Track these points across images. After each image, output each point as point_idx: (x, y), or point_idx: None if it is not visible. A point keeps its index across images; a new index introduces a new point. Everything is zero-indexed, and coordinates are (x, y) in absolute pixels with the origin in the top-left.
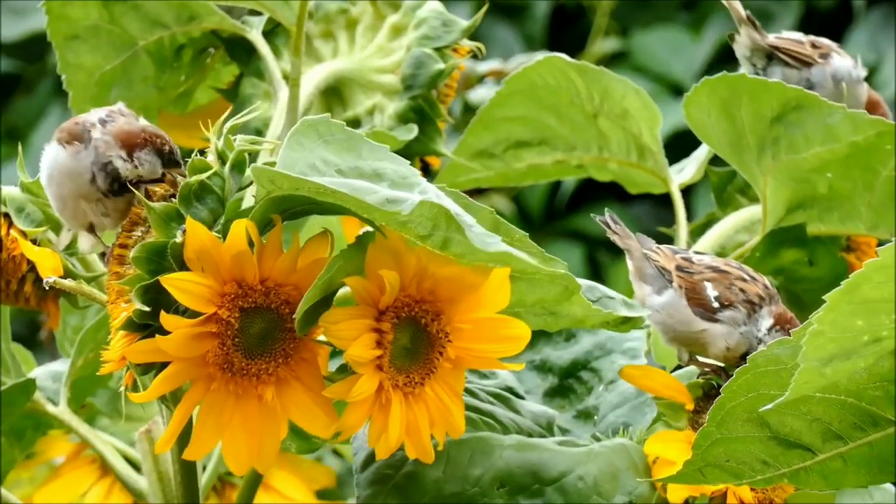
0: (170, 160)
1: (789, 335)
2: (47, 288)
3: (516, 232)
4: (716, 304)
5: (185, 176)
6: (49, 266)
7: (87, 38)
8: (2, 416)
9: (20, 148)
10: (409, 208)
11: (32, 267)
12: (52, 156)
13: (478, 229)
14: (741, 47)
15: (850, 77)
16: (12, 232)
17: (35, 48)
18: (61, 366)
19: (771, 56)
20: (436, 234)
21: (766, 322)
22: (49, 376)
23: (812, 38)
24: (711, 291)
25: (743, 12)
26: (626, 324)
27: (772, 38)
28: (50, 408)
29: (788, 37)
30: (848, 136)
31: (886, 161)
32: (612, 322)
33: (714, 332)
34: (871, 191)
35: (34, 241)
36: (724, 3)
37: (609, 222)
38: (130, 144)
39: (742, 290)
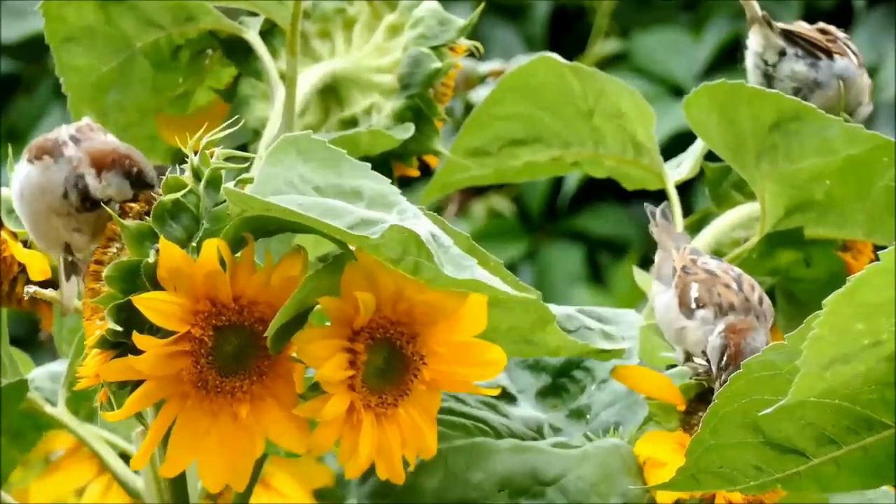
0: (138, 181)
1: (727, 351)
2: (26, 297)
3: (491, 259)
4: (693, 305)
5: (157, 196)
6: (38, 268)
7: (82, 39)
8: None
9: (10, 150)
10: (379, 233)
11: (24, 268)
12: (23, 173)
13: (454, 251)
14: (753, 44)
15: (852, 74)
16: (2, 233)
17: (35, 49)
18: (60, 366)
19: (783, 52)
20: (406, 259)
21: (716, 333)
22: (48, 377)
23: (819, 25)
24: (694, 292)
25: (759, 11)
26: (605, 354)
27: (783, 26)
28: (48, 408)
29: (797, 27)
30: (844, 150)
31: (883, 173)
32: (592, 353)
33: (688, 330)
34: (867, 199)
35: (24, 243)
36: (741, 1)
37: (657, 214)
38: (100, 164)
39: (718, 294)
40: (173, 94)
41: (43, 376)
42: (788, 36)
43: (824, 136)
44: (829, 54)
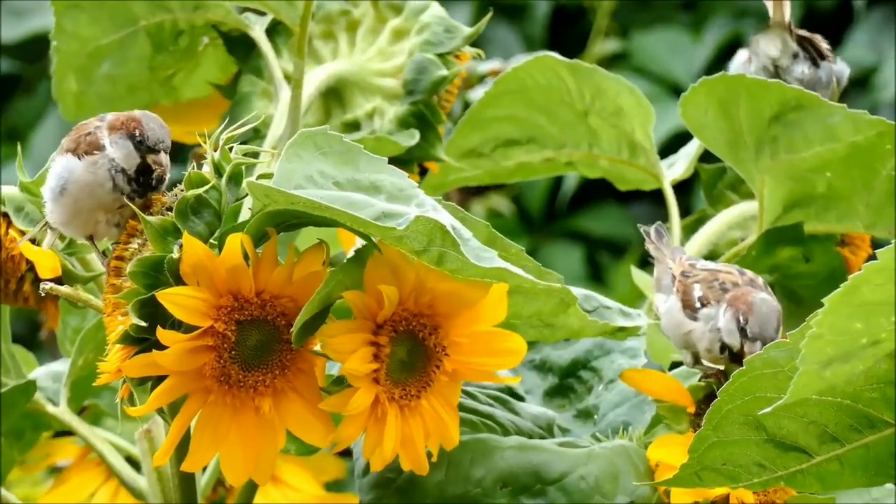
0: (139, 144)
1: (737, 313)
2: (42, 294)
3: (512, 246)
4: (698, 304)
5: (160, 164)
6: (48, 266)
7: (88, 8)
8: (2, 417)
9: (19, 148)
10: (405, 224)
11: (31, 267)
12: (68, 167)
13: (474, 244)
14: (769, 48)
15: (844, 77)
16: (11, 232)
17: (35, 48)
18: (61, 366)
19: (796, 55)
20: (431, 250)
21: (722, 310)
22: (49, 376)
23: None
24: (697, 292)
25: (788, 15)
26: (623, 332)
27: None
28: (50, 408)
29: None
30: (849, 136)
31: (886, 161)
32: (609, 332)
33: (697, 333)
34: (870, 190)
35: (33, 241)
36: (769, 3)
37: (651, 233)
38: (111, 128)
39: (722, 283)
40: (164, 74)
41: (44, 376)
42: (801, 40)
43: (828, 123)
44: (827, 57)
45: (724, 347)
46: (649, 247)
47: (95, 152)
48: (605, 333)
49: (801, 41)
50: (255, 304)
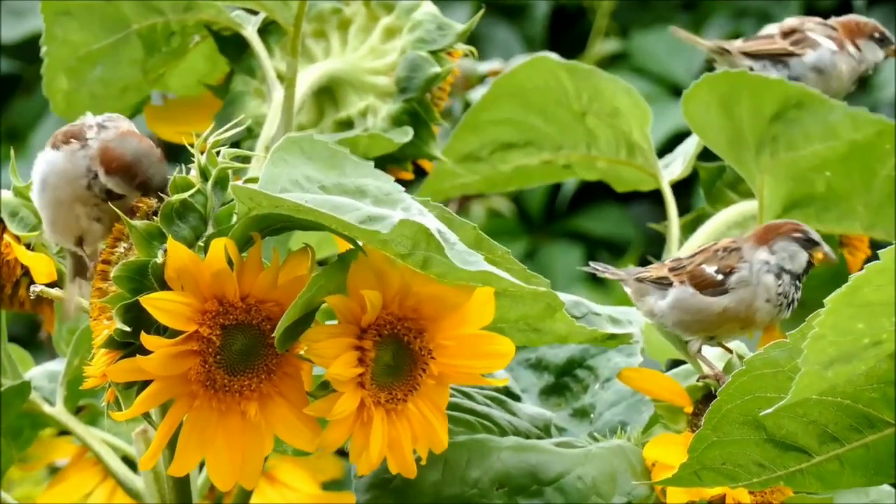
0: (141, 185)
1: (769, 245)
2: (33, 297)
3: (498, 248)
4: (719, 277)
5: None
6: (43, 271)
7: (78, 15)
8: None
9: (12, 152)
10: (389, 227)
11: (27, 271)
12: (47, 160)
13: (459, 247)
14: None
15: (827, 63)
16: (6, 236)
17: (35, 48)
18: (58, 366)
19: (751, 69)
20: (416, 253)
21: (753, 250)
22: (45, 376)
23: (783, 25)
24: (709, 268)
25: (710, 44)
26: (614, 340)
27: (738, 45)
28: (46, 408)
29: (759, 36)
30: (848, 134)
31: (885, 160)
32: (599, 338)
33: (737, 302)
34: (869, 190)
35: (28, 246)
36: (690, 42)
37: (599, 269)
38: (107, 166)
39: (723, 249)
40: (156, 73)
41: (41, 376)
42: (750, 55)
43: (828, 121)
44: (796, 55)
45: (793, 274)
46: (605, 275)
47: (73, 141)
48: (594, 340)
49: (752, 56)
50: (240, 308)
